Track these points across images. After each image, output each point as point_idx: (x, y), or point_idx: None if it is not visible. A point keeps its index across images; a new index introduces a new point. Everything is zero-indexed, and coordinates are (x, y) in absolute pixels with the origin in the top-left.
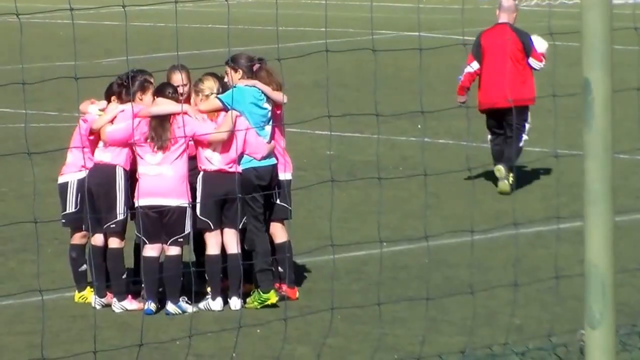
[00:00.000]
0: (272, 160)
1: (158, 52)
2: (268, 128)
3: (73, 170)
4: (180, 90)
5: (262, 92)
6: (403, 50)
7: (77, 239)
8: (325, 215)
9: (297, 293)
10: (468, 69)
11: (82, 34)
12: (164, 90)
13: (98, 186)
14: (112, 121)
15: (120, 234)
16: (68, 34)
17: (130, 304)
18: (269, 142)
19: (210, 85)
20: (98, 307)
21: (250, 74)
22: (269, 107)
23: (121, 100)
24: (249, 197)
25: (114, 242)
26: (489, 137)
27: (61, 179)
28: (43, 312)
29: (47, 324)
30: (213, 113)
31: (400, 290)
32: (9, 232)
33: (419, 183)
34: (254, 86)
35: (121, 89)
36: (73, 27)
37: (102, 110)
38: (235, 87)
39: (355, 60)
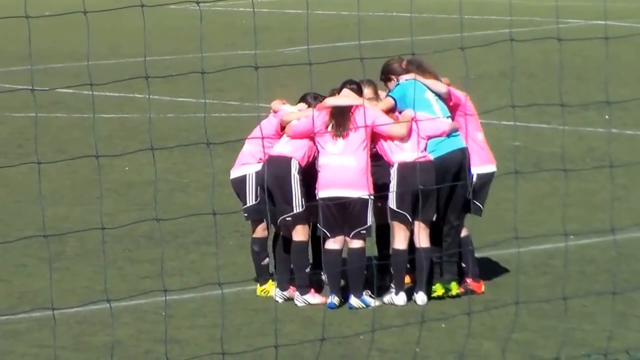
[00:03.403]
0: (461, 144)
1: (341, 40)
2: (437, 111)
3: (250, 162)
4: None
5: (423, 84)
6: (590, 40)
7: (259, 232)
8: (510, 207)
9: (482, 287)
10: None
11: (264, 22)
12: (345, 83)
13: (274, 178)
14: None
15: (305, 226)
16: (250, 22)
17: (313, 297)
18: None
19: (368, 92)
20: (280, 300)
21: (403, 72)
22: (431, 98)
23: None
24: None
25: (299, 235)
26: None
27: (237, 173)
28: (223, 305)
29: (229, 318)
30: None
31: (587, 284)
32: (191, 223)
33: (606, 175)
34: (413, 79)
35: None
36: (254, 16)
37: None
38: (397, 84)
39: (542, 50)
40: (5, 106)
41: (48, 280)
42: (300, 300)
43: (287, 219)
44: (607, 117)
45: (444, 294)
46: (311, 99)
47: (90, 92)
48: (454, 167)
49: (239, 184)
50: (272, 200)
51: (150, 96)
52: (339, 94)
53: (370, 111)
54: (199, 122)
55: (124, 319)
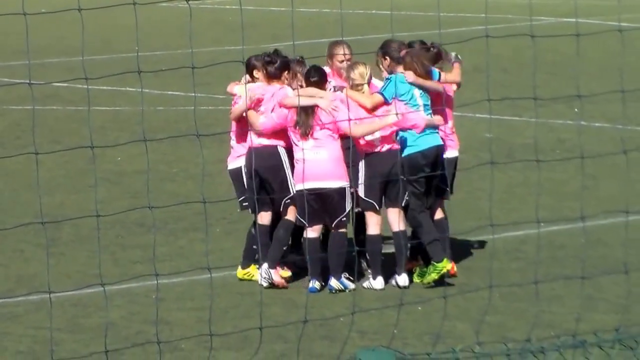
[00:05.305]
0: (437, 141)
1: (323, 37)
2: (420, 104)
3: (243, 153)
4: (343, 65)
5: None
6: (561, 36)
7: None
8: (484, 196)
9: (455, 268)
10: None
11: (249, 19)
12: (309, 75)
13: (267, 169)
14: (254, 108)
15: (294, 207)
16: (236, 19)
17: (275, 275)
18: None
19: (362, 72)
20: (264, 284)
21: (399, 59)
22: (415, 91)
23: (268, 78)
24: (413, 178)
25: (290, 215)
26: None
27: (233, 165)
28: (212, 289)
29: (216, 301)
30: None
31: (557, 269)
32: (180, 211)
33: (576, 165)
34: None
35: (268, 65)
36: (241, 13)
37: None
38: (387, 79)
39: (515, 46)
40: (3, 99)
41: (44, 265)
42: (264, 271)
43: (287, 202)
44: (576, 110)
45: (439, 273)
46: (295, 64)
47: (85, 86)
48: (430, 161)
49: (236, 175)
50: (258, 188)
51: (142, 90)
52: (306, 86)
53: (339, 111)
54: (187, 115)
55: (117, 301)
